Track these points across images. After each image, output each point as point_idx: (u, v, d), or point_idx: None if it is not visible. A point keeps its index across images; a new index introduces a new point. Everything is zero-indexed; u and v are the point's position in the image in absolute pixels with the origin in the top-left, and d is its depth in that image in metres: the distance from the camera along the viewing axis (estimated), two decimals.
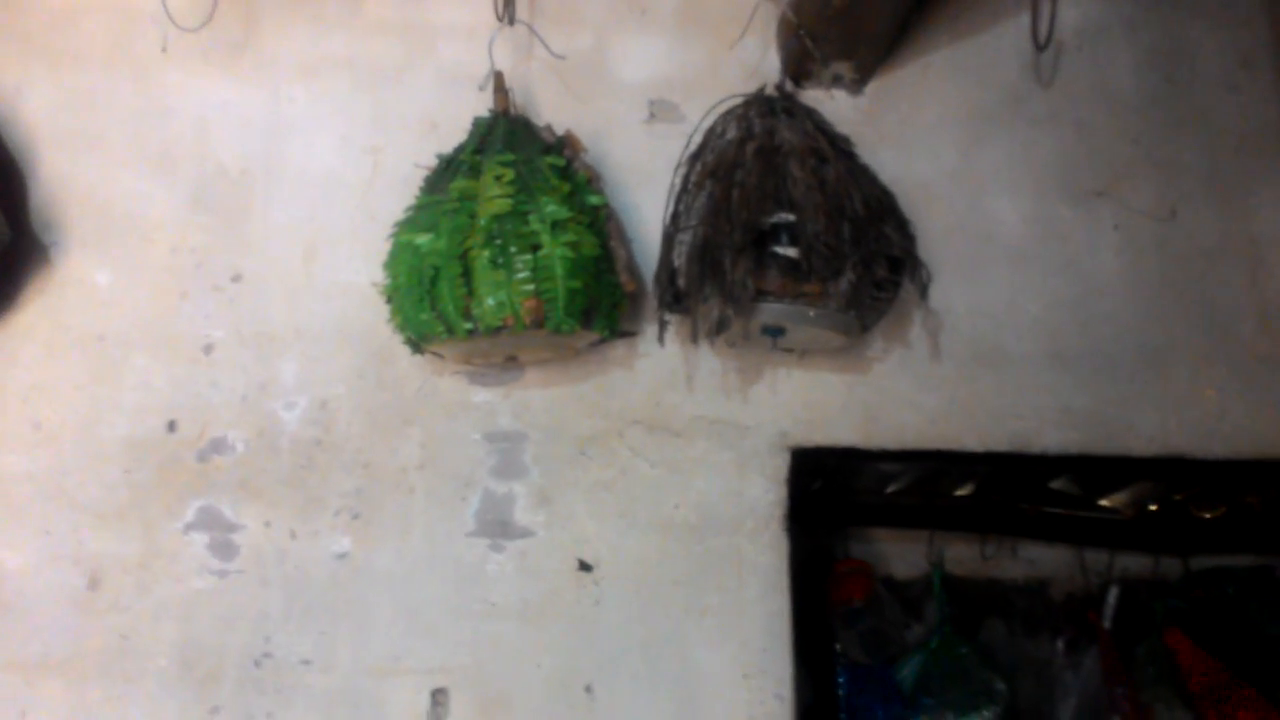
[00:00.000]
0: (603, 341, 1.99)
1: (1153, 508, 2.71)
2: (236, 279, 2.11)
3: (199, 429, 2.05)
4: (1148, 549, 2.81)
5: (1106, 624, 2.70)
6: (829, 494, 2.64)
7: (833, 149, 1.87)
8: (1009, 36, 2.15)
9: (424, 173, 1.99)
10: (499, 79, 2.04)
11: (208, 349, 2.08)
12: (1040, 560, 2.94)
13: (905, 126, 2.14)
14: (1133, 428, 2.04)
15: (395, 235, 1.91)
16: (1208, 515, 2.71)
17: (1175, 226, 2.10)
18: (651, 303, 1.98)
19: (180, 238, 2.12)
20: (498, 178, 1.85)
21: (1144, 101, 2.15)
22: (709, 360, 2.05)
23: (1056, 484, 2.69)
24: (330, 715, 1.94)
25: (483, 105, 2.05)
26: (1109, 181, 2.11)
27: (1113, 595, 2.73)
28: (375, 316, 2.02)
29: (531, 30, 2.14)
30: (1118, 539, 2.80)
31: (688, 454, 2.03)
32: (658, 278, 1.92)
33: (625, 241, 1.96)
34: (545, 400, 2.05)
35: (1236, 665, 2.59)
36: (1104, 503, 2.73)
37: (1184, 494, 2.65)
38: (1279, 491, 2.61)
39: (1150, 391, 2.04)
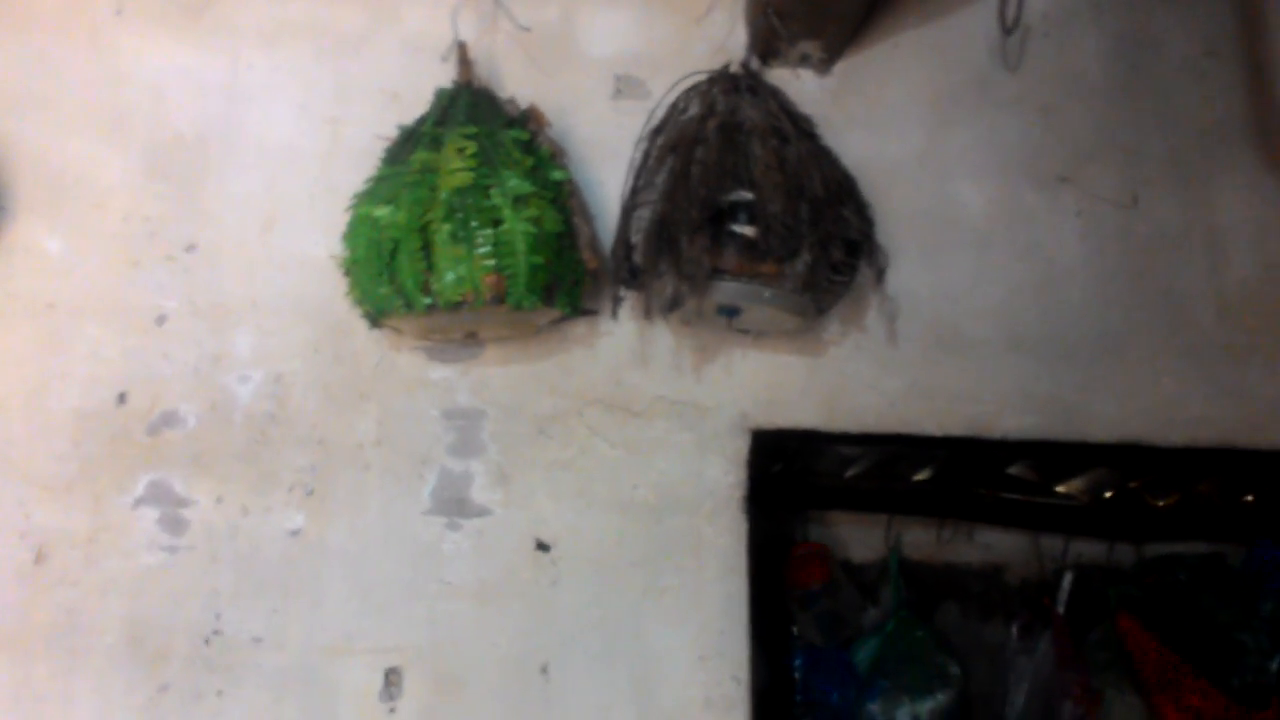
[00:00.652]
0: (564, 319, 1.97)
1: (1108, 495, 2.72)
2: (191, 249, 2.07)
3: (150, 401, 2.01)
4: (1102, 535, 2.82)
5: (1060, 609, 2.71)
6: (788, 477, 2.63)
7: (795, 129, 1.86)
8: (977, 19, 2.14)
9: (385, 144, 1.96)
10: (463, 50, 2.01)
11: (160, 320, 2.04)
12: (996, 545, 2.95)
13: (872, 108, 2.13)
14: (1091, 413, 2.04)
15: (354, 207, 1.88)
16: (1161, 503, 2.72)
17: (1137, 213, 2.10)
18: (612, 280, 1.96)
19: (133, 205, 2.08)
20: (460, 150, 1.82)
21: (1109, 88, 2.15)
22: (666, 339, 2.04)
23: (1014, 470, 2.69)
24: (281, 694, 1.92)
25: (446, 76, 2.02)
26: (1073, 167, 2.11)
27: (1067, 581, 2.74)
28: (333, 290, 1.99)
29: (497, 1, 2.11)
30: (1073, 525, 2.81)
31: (647, 434, 2.01)
32: (614, 253, 1.90)
33: (588, 218, 1.94)
34: (504, 378, 2.03)
35: (1187, 651, 2.61)
36: (1060, 489, 2.73)
37: (1139, 481, 2.66)
38: (1232, 480, 2.64)
39: (1109, 377, 2.05)
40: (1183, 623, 2.64)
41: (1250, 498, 2.71)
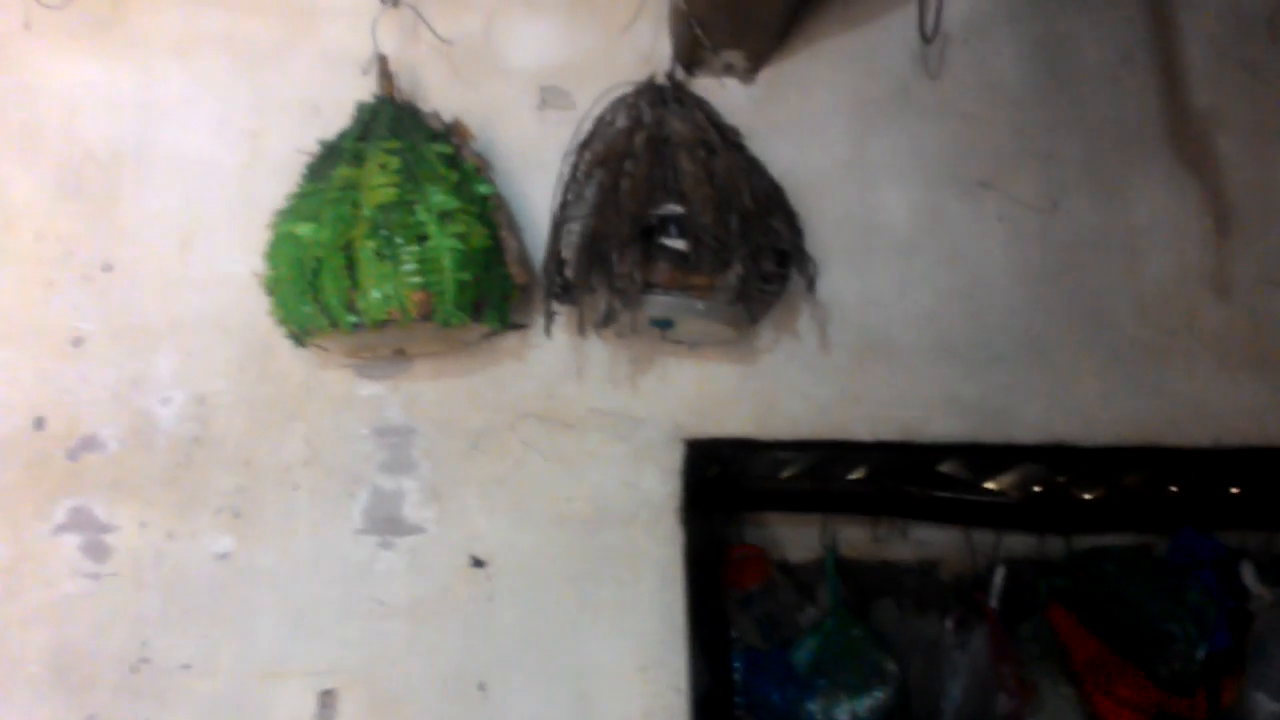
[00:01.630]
0: (493, 334, 1.95)
1: (1037, 490, 2.77)
2: (107, 268, 2.02)
3: (68, 425, 1.96)
4: (1032, 529, 2.88)
5: (993, 603, 2.75)
6: (724, 481, 2.65)
7: (722, 140, 1.86)
8: (897, 27, 2.15)
9: (306, 158, 1.92)
10: (383, 63, 1.98)
11: (77, 342, 1.99)
12: (930, 542, 2.99)
13: (796, 116, 2.14)
14: (1017, 416, 2.07)
15: (276, 224, 1.85)
16: (1088, 497, 2.78)
17: (1057, 217, 2.13)
18: (542, 293, 1.94)
19: (46, 224, 2.03)
20: (383, 166, 1.80)
21: (1027, 94, 2.18)
22: (600, 352, 2.03)
23: (945, 467, 2.73)
24: None
25: (367, 89, 1.98)
26: (993, 173, 2.14)
27: (999, 575, 2.79)
28: (256, 308, 1.94)
29: (416, 13, 2.08)
30: (1004, 520, 2.85)
31: (582, 447, 2.00)
32: (545, 268, 1.88)
33: (516, 232, 1.93)
34: (435, 393, 2.01)
35: (1117, 641, 2.67)
36: (990, 485, 2.78)
37: (1067, 476, 2.72)
38: (1157, 474, 2.70)
39: (1034, 380, 2.08)
40: (1112, 613, 2.70)
41: (1174, 489, 2.78)
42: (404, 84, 2.03)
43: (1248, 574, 2.72)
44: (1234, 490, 2.76)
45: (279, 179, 1.95)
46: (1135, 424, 2.07)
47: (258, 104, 2.10)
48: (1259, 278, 2.12)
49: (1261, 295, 2.11)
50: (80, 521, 1.93)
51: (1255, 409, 2.07)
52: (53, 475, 1.94)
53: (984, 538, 2.92)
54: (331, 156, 1.87)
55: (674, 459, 2.01)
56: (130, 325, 2.00)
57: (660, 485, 2.00)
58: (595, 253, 1.78)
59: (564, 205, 1.89)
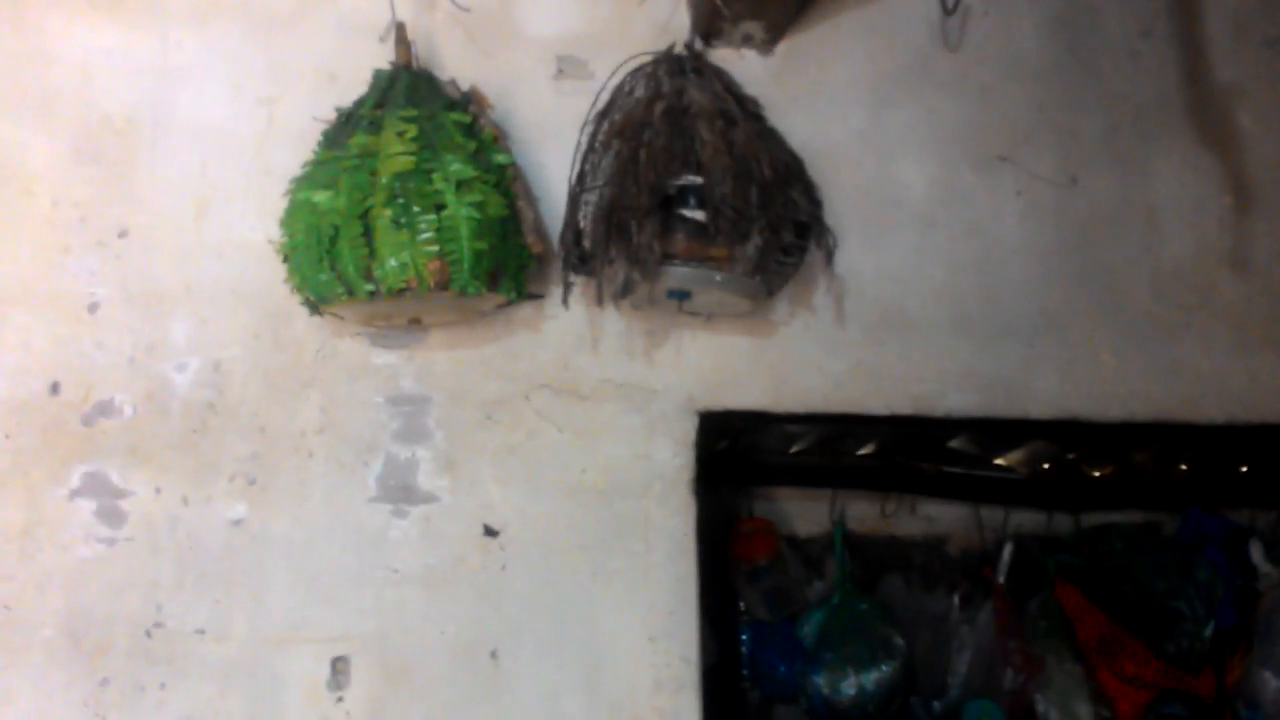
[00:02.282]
0: (509, 304, 1.94)
1: (1046, 466, 2.77)
2: (123, 234, 2.02)
3: (84, 391, 1.96)
4: (1041, 506, 2.88)
5: (1001, 579, 2.76)
6: (734, 454, 2.65)
7: (741, 111, 1.85)
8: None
9: (322, 126, 1.91)
10: (401, 30, 1.97)
11: (92, 307, 1.99)
12: (938, 518, 3.00)
13: (815, 88, 2.12)
14: (1031, 390, 2.07)
15: (292, 192, 1.84)
16: (1098, 474, 2.78)
17: (1075, 193, 2.12)
18: (559, 264, 1.94)
19: (62, 190, 2.02)
20: (400, 134, 1.79)
21: (1047, 68, 2.16)
22: (615, 323, 2.02)
23: (955, 443, 2.73)
24: (226, 685, 1.89)
25: (384, 57, 1.97)
26: (1012, 147, 2.13)
27: (1007, 551, 2.80)
28: (272, 276, 1.94)
29: None
30: (1013, 497, 2.86)
31: (595, 418, 2.00)
32: (563, 238, 1.88)
33: (532, 202, 1.92)
34: (450, 363, 2.01)
35: (1124, 618, 2.68)
36: (1000, 462, 2.78)
37: (1076, 453, 2.72)
38: (1167, 451, 2.70)
39: (1049, 355, 2.07)
40: (1119, 590, 2.71)
41: (1183, 467, 2.78)
42: (421, 52, 2.01)
43: (1256, 552, 2.73)
44: (1243, 468, 2.76)
45: (295, 147, 1.95)
46: (1149, 400, 2.07)
47: (274, 71, 2.09)
48: (1277, 255, 2.11)
49: (1279, 273, 2.10)
50: (95, 487, 1.94)
51: (1272, 386, 2.07)
52: (68, 440, 1.95)
53: (992, 514, 2.94)
54: (348, 124, 1.86)
55: (687, 431, 2.00)
56: (146, 291, 2.00)
57: (673, 457, 2.00)
58: (613, 223, 1.78)
59: (581, 175, 1.88)
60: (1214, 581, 2.67)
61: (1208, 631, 2.61)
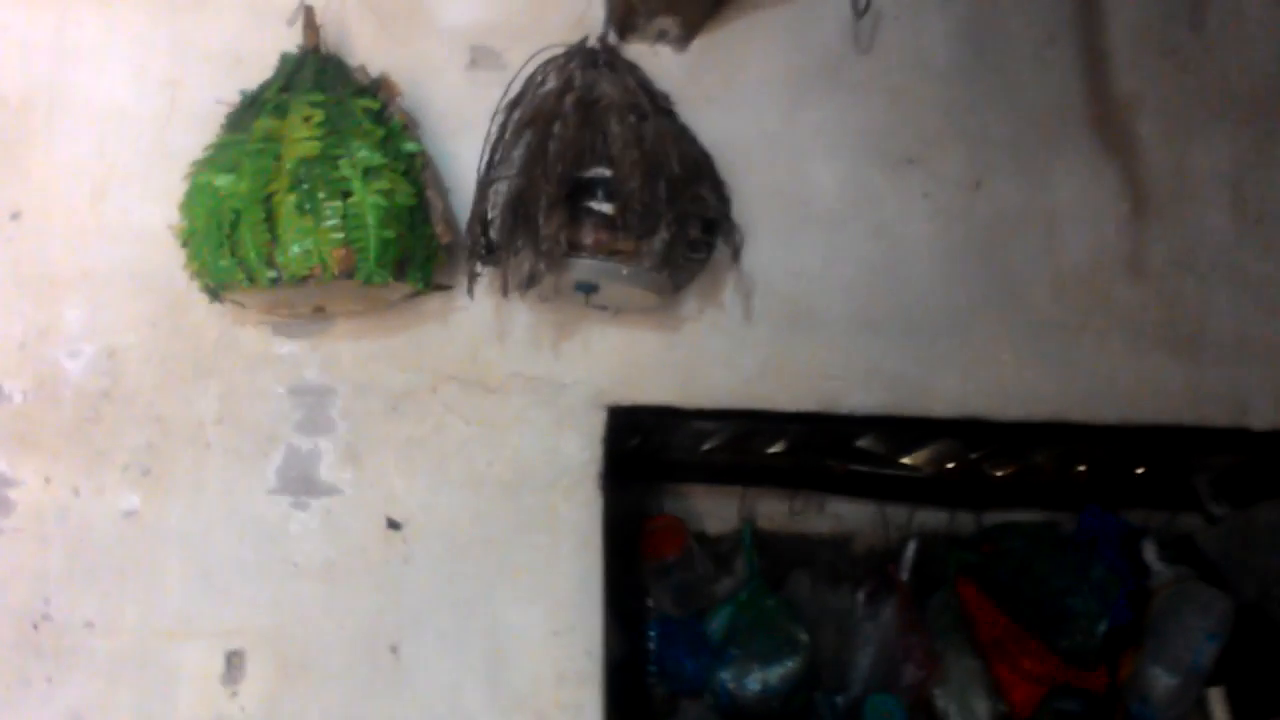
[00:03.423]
0: (416, 294, 1.92)
1: (950, 466, 2.82)
2: (15, 216, 1.96)
3: None
4: (945, 505, 2.93)
5: (904, 576, 2.80)
6: (645, 452, 2.66)
7: (653, 106, 1.85)
8: (831, 1, 2.16)
9: (226, 109, 1.87)
10: (309, 14, 1.93)
11: None
12: (845, 515, 3.04)
13: (728, 86, 2.13)
14: (935, 389, 2.09)
15: (193, 175, 1.80)
16: (1000, 474, 2.84)
17: (980, 196, 2.16)
18: (467, 255, 1.92)
19: None
20: (306, 119, 1.75)
21: (955, 72, 2.19)
22: (524, 315, 2.01)
23: (863, 443, 2.77)
24: (116, 679, 1.85)
25: (291, 41, 1.93)
26: (920, 150, 2.15)
27: (911, 549, 2.84)
28: (170, 261, 1.89)
29: None
30: (918, 495, 2.91)
31: (504, 411, 1.99)
32: (470, 227, 1.86)
33: (442, 191, 1.90)
34: (355, 353, 1.98)
35: (1022, 615, 2.73)
36: (906, 461, 2.83)
37: (979, 454, 2.77)
38: (1065, 452, 2.76)
39: (952, 355, 2.10)
40: (1018, 588, 2.77)
41: (1082, 468, 2.85)
42: (330, 37, 1.98)
43: (1149, 552, 2.80)
44: (1139, 470, 2.84)
45: (197, 130, 1.90)
46: (1046, 400, 2.11)
47: (177, 52, 2.04)
48: (1172, 261, 2.16)
49: (1173, 278, 2.16)
50: None
51: (1163, 388, 2.12)
52: None
53: (897, 512, 2.98)
54: (253, 107, 1.82)
55: (596, 425, 2.00)
56: (38, 275, 1.95)
57: (580, 451, 1.99)
58: (521, 213, 1.77)
59: (490, 165, 1.87)
60: (1109, 580, 2.73)
61: (1102, 628, 2.68)
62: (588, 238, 1.78)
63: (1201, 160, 2.20)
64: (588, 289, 1.84)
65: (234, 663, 1.86)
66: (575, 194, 1.77)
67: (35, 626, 1.85)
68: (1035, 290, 2.14)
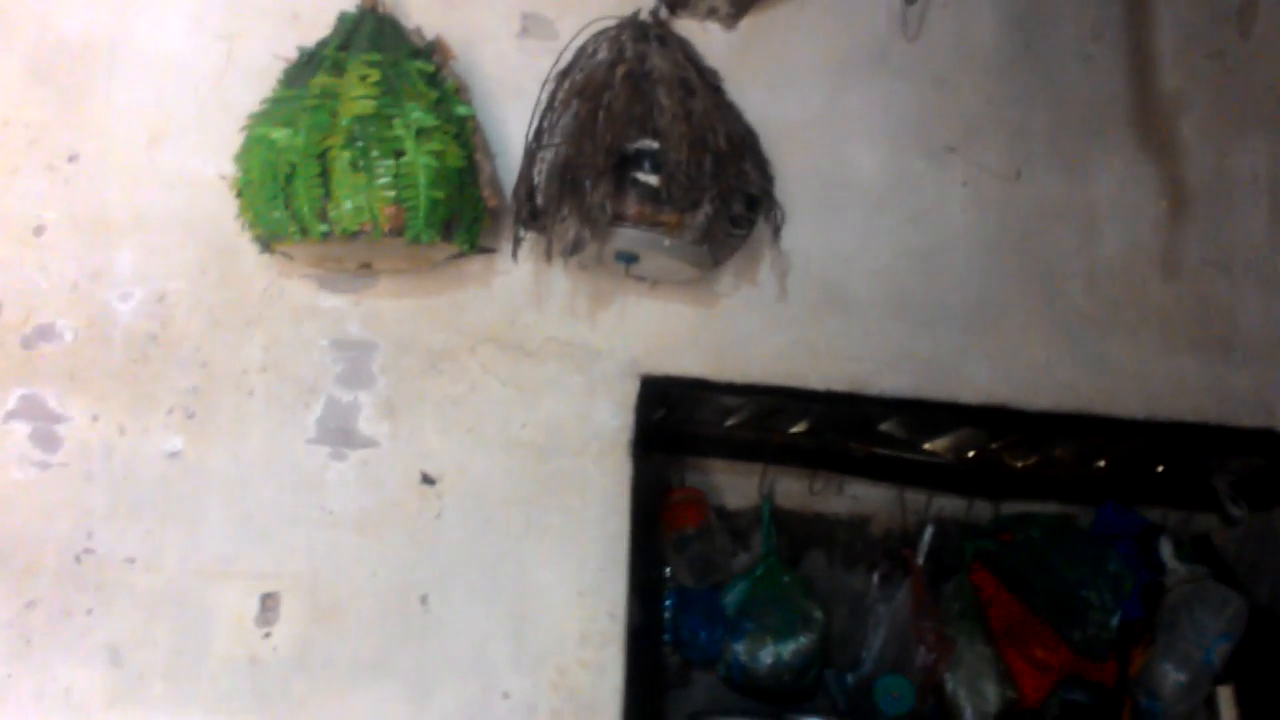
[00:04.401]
0: (461, 256, 1.96)
1: (971, 454, 2.84)
2: (73, 159, 2.00)
3: (24, 314, 1.95)
4: (963, 492, 2.94)
5: (920, 560, 2.82)
6: (670, 424, 2.68)
7: (701, 81, 1.88)
8: None
9: (283, 65, 1.91)
10: None
11: (38, 230, 1.97)
12: (864, 497, 3.05)
13: (775, 66, 2.15)
14: (964, 376, 2.12)
15: (249, 127, 1.84)
16: (1019, 464, 2.86)
17: (1019, 187, 2.18)
18: (511, 221, 1.95)
19: (13, 111, 2.00)
20: (363, 77, 1.79)
21: (1001, 63, 2.21)
22: (563, 282, 2.04)
23: (885, 427, 2.79)
24: (154, 614, 1.89)
25: (348, 0, 1.97)
26: (961, 138, 2.18)
27: (927, 534, 2.85)
28: (222, 210, 1.94)
29: None
30: (937, 481, 2.92)
31: (539, 375, 2.03)
32: (516, 192, 1.90)
33: (490, 156, 1.93)
34: (397, 311, 2.02)
35: (1035, 605, 2.75)
36: (928, 447, 2.85)
37: (1000, 443, 2.79)
38: (1085, 446, 2.78)
39: (983, 343, 2.13)
40: (1033, 578, 2.78)
41: (1101, 463, 2.87)
42: None
43: (1165, 549, 2.81)
44: (1159, 468, 2.85)
45: (253, 84, 1.94)
46: (1075, 392, 2.13)
47: (235, 6, 2.07)
48: (1206, 261, 2.18)
49: (1207, 278, 2.18)
50: (31, 410, 1.92)
51: (1191, 386, 2.15)
52: (6, 362, 1.93)
53: (916, 497, 2.99)
54: (310, 64, 1.86)
55: (628, 393, 2.04)
56: (93, 218, 1.99)
57: (612, 418, 2.03)
58: (567, 181, 1.80)
59: (539, 132, 1.90)
60: (1123, 574, 2.75)
61: (1114, 622, 2.69)
62: (631, 208, 1.81)
63: (1241, 163, 2.22)
64: (629, 259, 1.87)
65: (268, 605, 1.91)
66: (621, 165, 1.81)
67: (78, 559, 1.89)
68: (1069, 283, 2.16)
